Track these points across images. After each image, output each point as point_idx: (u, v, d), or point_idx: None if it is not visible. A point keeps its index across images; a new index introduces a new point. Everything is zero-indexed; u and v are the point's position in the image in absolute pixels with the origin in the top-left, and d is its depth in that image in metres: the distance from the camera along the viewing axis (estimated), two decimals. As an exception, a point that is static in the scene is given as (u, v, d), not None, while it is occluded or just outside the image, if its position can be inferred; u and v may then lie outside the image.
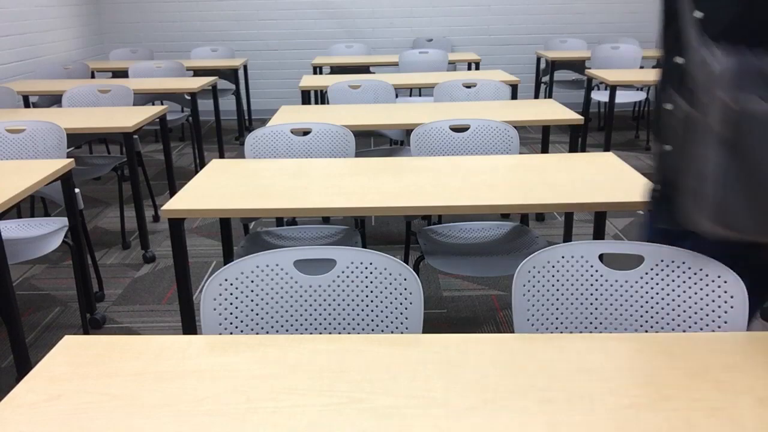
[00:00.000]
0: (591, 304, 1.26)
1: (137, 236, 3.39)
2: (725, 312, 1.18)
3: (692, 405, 0.89)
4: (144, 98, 4.31)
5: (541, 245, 2.11)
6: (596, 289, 1.26)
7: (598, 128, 5.80)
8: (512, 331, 1.25)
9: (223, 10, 6.32)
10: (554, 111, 2.99)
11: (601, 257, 1.25)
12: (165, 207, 1.77)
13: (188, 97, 4.11)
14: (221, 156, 4.70)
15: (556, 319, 1.26)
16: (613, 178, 1.93)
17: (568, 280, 1.26)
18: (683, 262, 1.21)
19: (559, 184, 1.90)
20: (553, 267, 1.26)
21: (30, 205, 3.66)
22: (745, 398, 0.90)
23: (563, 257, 1.25)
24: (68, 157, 2.38)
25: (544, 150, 3.12)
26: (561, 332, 1.26)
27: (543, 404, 0.90)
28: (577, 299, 1.26)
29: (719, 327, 1.18)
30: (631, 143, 5.31)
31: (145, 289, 2.91)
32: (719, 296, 1.18)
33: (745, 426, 0.84)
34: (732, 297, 1.17)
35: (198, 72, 4.99)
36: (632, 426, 0.85)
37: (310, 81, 3.98)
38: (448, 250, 2.15)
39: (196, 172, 2.86)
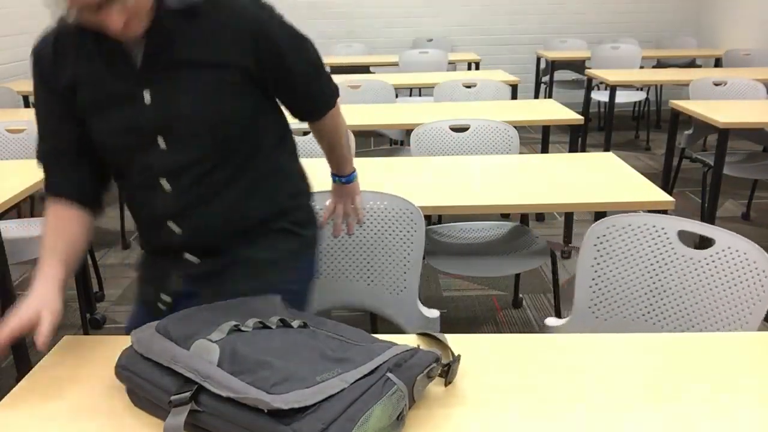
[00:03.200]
0: (657, 275, 1.27)
1: (137, 236, 3.38)
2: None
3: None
4: (144, 98, 4.29)
5: (541, 245, 2.11)
6: (666, 262, 1.27)
7: (598, 128, 5.79)
8: (511, 332, 1.26)
9: (223, 10, 6.31)
10: (554, 111, 2.99)
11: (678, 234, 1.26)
12: (165, 207, 1.77)
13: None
14: (221, 156, 4.69)
15: (622, 279, 1.29)
16: (613, 178, 1.92)
17: (641, 244, 1.27)
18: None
19: (559, 184, 1.90)
20: (632, 231, 1.27)
21: (30, 205, 3.66)
22: None
23: (645, 224, 1.27)
24: (68, 157, 2.37)
25: (544, 150, 3.12)
26: (622, 297, 1.29)
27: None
28: (645, 266, 1.28)
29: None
30: (631, 143, 5.30)
31: (145, 289, 2.91)
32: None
33: None
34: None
35: (198, 72, 4.98)
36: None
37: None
38: (448, 250, 2.14)
39: (196, 172, 2.86)
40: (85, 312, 2.51)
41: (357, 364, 0.85)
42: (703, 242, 1.24)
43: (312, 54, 1.18)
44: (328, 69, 1.23)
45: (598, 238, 1.29)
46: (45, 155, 1.17)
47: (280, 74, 1.14)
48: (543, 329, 2.26)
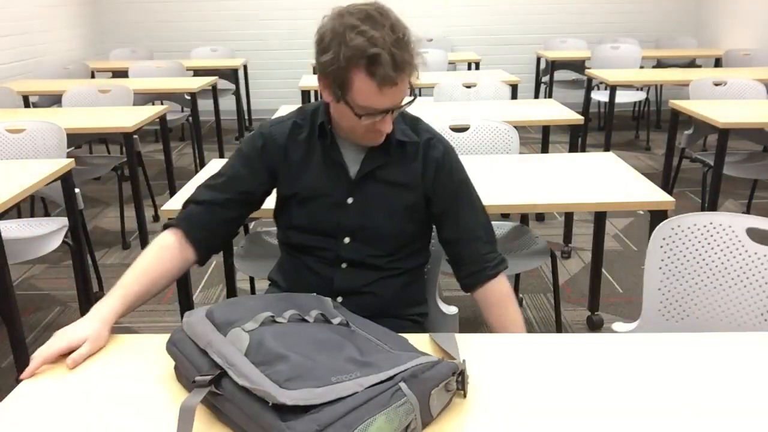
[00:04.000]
0: (729, 273, 1.27)
1: (137, 236, 3.39)
2: None
3: (692, 405, 0.88)
4: (144, 98, 4.30)
5: (541, 245, 2.11)
6: (738, 260, 1.26)
7: (598, 128, 5.79)
8: (510, 332, 1.26)
9: (223, 10, 6.31)
10: (554, 111, 2.98)
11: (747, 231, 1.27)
12: (165, 207, 1.77)
13: (188, 97, 4.10)
14: (221, 156, 4.70)
15: (693, 279, 1.29)
16: (613, 178, 1.92)
17: (709, 244, 1.27)
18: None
19: (559, 184, 1.90)
20: (699, 231, 1.27)
21: (30, 205, 3.66)
22: None
23: (711, 223, 1.27)
24: (68, 157, 2.38)
25: (544, 150, 3.12)
26: (689, 296, 1.30)
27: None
28: (716, 265, 1.28)
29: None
30: (631, 143, 5.30)
31: (145, 289, 2.91)
32: None
33: None
34: None
35: (198, 72, 4.99)
36: None
37: (310, 81, 3.98)
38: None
39: (196, 172, 2.87)
40: (85, 312, 2.50)
41: (378, 369, 0.84)
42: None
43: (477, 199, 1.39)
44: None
45: (664, 239, 1.28)
46: (204, 197, 1.32)
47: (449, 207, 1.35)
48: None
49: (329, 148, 1.31)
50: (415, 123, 1.36)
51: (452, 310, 1.56)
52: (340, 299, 1.35)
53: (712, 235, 1.27)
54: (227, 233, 1.37)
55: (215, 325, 0.94)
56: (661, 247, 1.29)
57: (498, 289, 1.33)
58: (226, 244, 1.41)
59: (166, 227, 1.31)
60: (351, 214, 1.32)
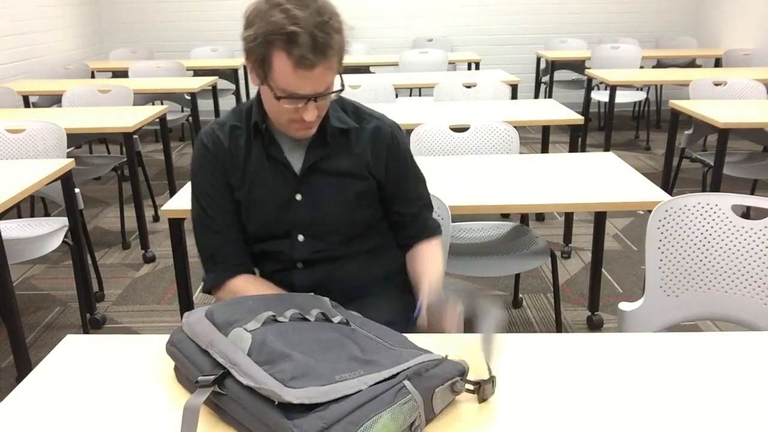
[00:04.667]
0: (721, 247, 1.39)
1: (137, 236, 3.39)
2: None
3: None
4: (144, 98, 4.31)
5: (541, 245, 2.11)
6: (727, 234, 1.38)
7: (598, 128, 5.79)
8: (511, 332, 1.26)
9: (223, 10, 6.32)
10: (554, 111, 2.99)
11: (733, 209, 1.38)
12: (165, 207, 1.77)
13: (188, 97, 4.11)
14: (221, 156, 4.69)
15: (688, 255, 1.40)
16: (613, 178, 1.92)
17: (700, 222, 1.38)
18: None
19: (559, 184, 1.90)
20: (689, 210, 1.38)
21: (30, 205, 3.66)
22: None
23: (699, 203, 1.38)
24: (68, 157, 2.38)
25: (544, 150, 3.12)
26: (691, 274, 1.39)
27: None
28: (708, 240, 1.39)
29: None
30: (631, 143, 5.30)
31: (145, 289, 2.91)
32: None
33: None
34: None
35: (198, 72, 4.99)
36: None
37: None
38: (448, 250, 2.14)
39: (196, 172, 2.86)
40: (85, 312, 2.51)
41: (381, 367, 0.85)
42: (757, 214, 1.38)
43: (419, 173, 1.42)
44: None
45: (660, 221, 1.39)
46: (215, 244, 1.34)
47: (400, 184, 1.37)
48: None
49: (268, 147, 1.28)
50: (356, 110, 1.34)
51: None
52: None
53: (701, 214, 1.38)
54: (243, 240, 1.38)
55: (216, 325, 0.94)
56: (658, 228, 1.40)
57: (429, 245, 1.39)
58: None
59: (209, 292, 1.36)
60: (301, 211, 1.30)
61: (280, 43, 1.08)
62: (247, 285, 1.31)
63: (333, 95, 1.19)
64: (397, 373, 0.84)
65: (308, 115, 1.16)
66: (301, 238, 1.32)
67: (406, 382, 0.82)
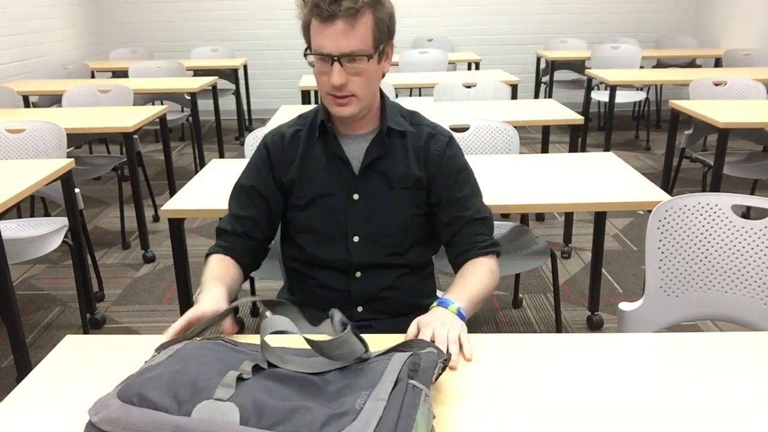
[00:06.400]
0: (721, 247, 1.38)
1: (137, 236, 3.39)
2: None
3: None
4: (144, 98, 4.30)
5: (541, 245, 2.11)
6: (727, 234, 1.38)
7: (598, 128, 5.79)
8: (511, 332, 1.26)
9: (223, 10, 6.31)
10: (554, 111, 2.98)
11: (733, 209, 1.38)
12: (165, 207, 1.77)
13: (188, 97, 4.11)
14: (221, 156, 4.70)
15: (688, 255, 1.40)
16: (613, 178, 1.92)
17: (699, 222, 1.38)
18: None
19: (559, 184, 1.90)
20: (689, 210, 1.38)
21: (30, 205, 3.66)
22: None
23: (699, 203, 1.37)
24: (68, 157, 2.38)
25: (544, 150, 3.12)
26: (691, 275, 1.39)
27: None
28: (708, 240, 1.39)
29: None
30: (631, 143, 5.30)
31: (145, 289, 2.91)
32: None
33: None
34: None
35: (198, 72, 4.99)
36: None
37: (310, 81, 3.98)
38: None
39: (196, 172, 2.87)
40: (85, 312, 2.51)
41: (375, 380, 0.82)
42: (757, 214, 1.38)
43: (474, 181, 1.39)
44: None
45: (660, 221, 1.39)
46: (234, 226, 1.34)
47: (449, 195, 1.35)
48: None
49: (331, 144, 1.32)
50: (413, 117, 1.38)
51: None
52: (360, 309, 1.37)
53: (701, 214, 1.38)
54: (262, 250, 1.39)
55: (160, 408, 0.77)
56: (658, 228, 1.39)
57: (474, 264, 1.30)
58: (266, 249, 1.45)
59: (208, 256, 1.33)
60: (358, 211, 1.32)
61: (309, 2, 1.17)
62: (224, 260, 1.31)
63: (358, 61, 1.20)
64: (397, 378, 0.83)
65: (334, 77, 1.18)
66: (356, 239, 1.33)
67: (412, 381, 0.82)
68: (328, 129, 1.32)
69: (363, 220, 1.33)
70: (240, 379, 0.82)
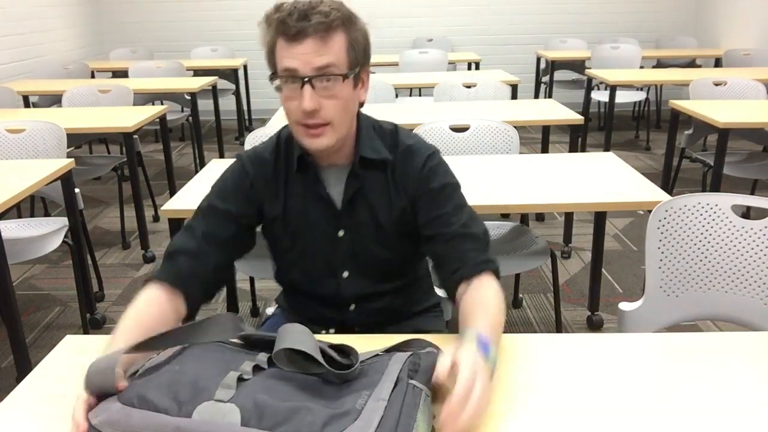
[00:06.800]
0: (721, 247, 1.38)
1: (137, 236, 3.39)
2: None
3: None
4: (144, 98, 4.30)
5: (541, 245, 2.11)
6: (727, 234, 1.38)
7: (598, 128, 5.79)
8: (511, 332, 1.26)
9: (223, 10, 6.31)
10: (554, 111, 2.98)
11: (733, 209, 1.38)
12: (165, 207, 1.77)
13: (188, 97, 4.11)
14: (221, 156, 4.70)
15: (688, 255, 1.40)
16: (613, 178, 1.92)
17: (700, 222, 1.38)
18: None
19: (559, 184, 1.90)
20: (689, 210, 1.38)
21: (30, 205, 3.66)
22: None
23: (699, 203, 1.37)
24: (68, 157, 2.38)
25: (544, 150, 3.12)
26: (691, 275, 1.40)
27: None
28: (708, 240, 1.39)
29: None
30: (631, 143, 5.30)
31: (145, 289, 2.91)
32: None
33: None
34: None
35: (198, 72, 4.99)
36: None
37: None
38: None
39: (196, 172, 2.86)
40: (85, 312, 2.51)
41: (376, 380, 0.82)
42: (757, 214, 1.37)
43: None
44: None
45: (660, 221, 1.39)
46: (195, 250, 1.16)
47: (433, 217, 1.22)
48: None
49: (312, 180, 1.21)
50: (393, 135, 1.25)
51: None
52: (356, 328, 1.33)
53: (701, 214, 1.38)
54: (219, 281, 1.23)
55: (161, 409, 0.77)
56: (658, 228, 1.39)
57: (478, 288, 1.10)
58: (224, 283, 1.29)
59: (147, 281, 1.15)
60: (344, 248, 1.24)
61: (274, 22, 1.07)
62: (154, 299, 1.13)
63: (332, 81, 1.08)
64: (397, 377, 0.82)
65: (306, 101, 1.06)
66: (346, 274, 1.27)
67: (412, 381, 0.82)
68: (308, 164, 1.20)
69: (350, 256, 1.25)
70: (240, 379, 0.81)
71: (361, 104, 1.19)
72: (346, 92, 1.11)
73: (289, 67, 1.07)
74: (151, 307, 1.10)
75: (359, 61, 1.12)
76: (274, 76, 1.11)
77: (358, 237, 1.23)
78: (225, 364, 0.85)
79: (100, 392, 0.83)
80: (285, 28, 1.05)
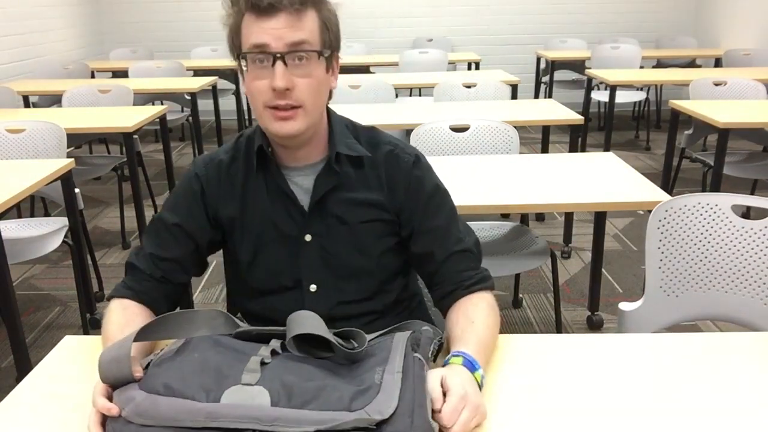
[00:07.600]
0: (721, 247, 1.38)
1: (137, 236, 3.39)
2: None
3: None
4: (144, 98, 4.30)
5: (541, 245, 2.11)
6: (727, 234, 1.38)
7: (598, 128, 5.79)
8: (511, 332, 1.26)
9: (223, 10, 6.30)
10: (554, 111, 2.98)
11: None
12: (165, 207, 1.77)
13: (188, 97, 4.10)
14: (221, 156, 4.69)
15: (688, 255, 1.41)
16: (613, 178, 1.92)
17: (700, 222, 1.38)
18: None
19: (559, 184, 1.90)
20: (689, 211, 1.38)
21: (30, 205, 3.65)
22: None
23: (699, 203, 1.37)
24: (68, 157, 2.38)
25: (544, 150, 3.12)
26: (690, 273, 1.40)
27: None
28: (708, 240, 1.39)
29: None
30: (631, 143, 5.30)
31: (145, 289, 2.91)
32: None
33: None
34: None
35: (198, 72, 4.99)
36: None
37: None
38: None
39: (196, 172, 2.86)
40: (85, 312, 2.51)
41: (385, 356, 0.86)
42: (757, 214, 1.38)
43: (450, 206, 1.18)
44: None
45: (660, 221, 1.39)
46: (151, 268, 1.12)
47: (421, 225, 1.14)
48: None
49: (274, 176, 1.11)
50: (370, 137, 1.16)
51: None
52: None
53: (701, 214, 1.38)
54: (175, 297, 1.17)
55: (186, 396, 0.78)
56: (658, 228, 1.39)
57: (470, 303, 1.07)
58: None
59: (110, 298, 1.11)
60: (311, 255, 1.12)
61: (243, 2, 1.01)
62: (128, 305, 1.09)
63: (306, 58, 1.01)
64: (405, 352, 0.87)
65: (277, 79, 0.98)
66: (313, 288, 1.13)
67: (417, 355, 0.87)
68: (268, 156, 1.10)
69: (319, 265, 1.12)
70: (262, 363, 0.83)
71: (331, 94, 1.11)
72: (320, 72, 1.03)
73: (258, 42, 0.99)
74: (130, 311, 1.08)
75: (333, 45, 1.05)
76: (239, 57, 1.02)
77: (328, 242, 1.12)
78: (242, 351, 0.87)
79: (116, 382, 0.84)
80: (255, 0, 0.98)
